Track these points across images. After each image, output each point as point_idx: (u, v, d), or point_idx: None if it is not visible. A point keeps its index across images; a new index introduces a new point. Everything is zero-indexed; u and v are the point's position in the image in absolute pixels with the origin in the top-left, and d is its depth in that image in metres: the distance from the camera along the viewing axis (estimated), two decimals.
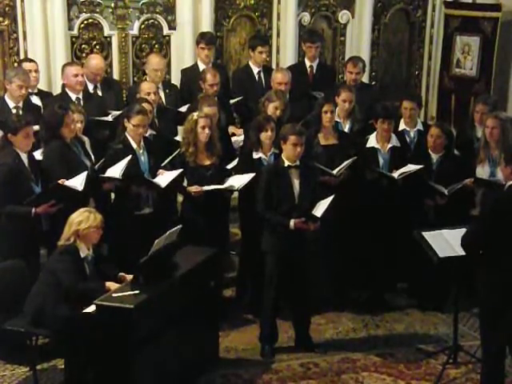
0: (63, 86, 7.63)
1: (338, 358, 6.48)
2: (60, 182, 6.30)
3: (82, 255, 5.78)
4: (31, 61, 7.76)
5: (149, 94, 7.34)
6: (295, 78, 7.99)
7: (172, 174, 6.66)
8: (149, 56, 8.26)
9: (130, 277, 5.76)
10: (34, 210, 6.18)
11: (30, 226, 6.28)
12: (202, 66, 8.15)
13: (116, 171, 6.52)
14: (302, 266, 6.39)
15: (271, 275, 6.37)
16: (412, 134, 7.51)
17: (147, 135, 6.99)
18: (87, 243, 5.80)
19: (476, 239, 5.37)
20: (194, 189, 6.67)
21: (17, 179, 6.23)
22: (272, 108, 7.24)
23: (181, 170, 6.68)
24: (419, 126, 7.57)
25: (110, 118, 7.37)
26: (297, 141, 6.25)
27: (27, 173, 6.33)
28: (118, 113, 7.33)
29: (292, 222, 6.21)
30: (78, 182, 6.29)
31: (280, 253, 6.31)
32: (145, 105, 6.95)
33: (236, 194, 7.11)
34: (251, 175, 6.66)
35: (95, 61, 7.91)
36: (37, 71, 7.66)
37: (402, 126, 7.51)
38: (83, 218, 5.75)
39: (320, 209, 6.23)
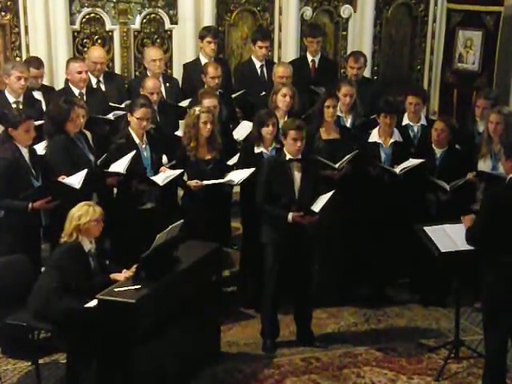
0: (66, 80, 7.63)
1: (339, 352, 6.49)
2: (60, 178, 6.29)
3: (86, 250, 5.78)
4: (38, 68, 7.56)
5: (152, 93, 7.31)
6: (297, 73, 7.97)
7: (172, 174, 6.66)
8: (145, 50, 8.21)
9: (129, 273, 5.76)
10: (30, 204, 6.16)
11: (30, 220, 6.27)
12: (204, 61, 8.14)
13: (120, 166, 6.52)
14: (301, 260, 6.39)
15: (270, 267, 6.37)
16: (416, 129, 7.50)
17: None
18: (89, 237, 5.78)
19: (478, 233, 5.36)
20: (193, 183, 6.67)
21: (16, 173, 6.21)
22: (281, 96, 7.19)
23: (181, 171, 6.69)
24: (423, 121, 7.56)
25: (111, 117, 7.34)
26: (297, 135, 6.25)
27: (27, 167, 6.31)
28: (121, 113, 7.25)
29: (290, 216, 6.21)
30: (76, 180, 6.26)
31: (279, 245, 6.31)
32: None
33: (238, 189, 7.11)
34: (251, 170, 6.66)
35: (96, 52, 7.91)
36: (42, 77, 7.62)
37: (405, 121, 7.51)
38: (83, 212, 5.72)
39: (319, 204, 6.22)
